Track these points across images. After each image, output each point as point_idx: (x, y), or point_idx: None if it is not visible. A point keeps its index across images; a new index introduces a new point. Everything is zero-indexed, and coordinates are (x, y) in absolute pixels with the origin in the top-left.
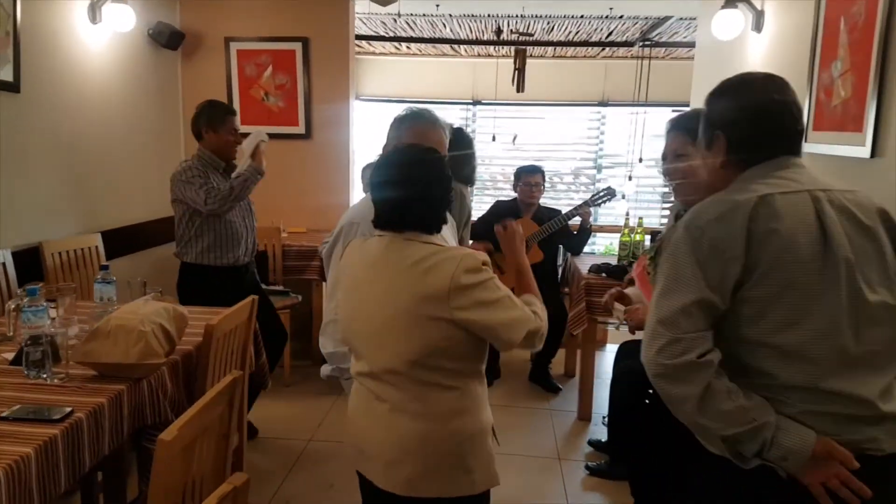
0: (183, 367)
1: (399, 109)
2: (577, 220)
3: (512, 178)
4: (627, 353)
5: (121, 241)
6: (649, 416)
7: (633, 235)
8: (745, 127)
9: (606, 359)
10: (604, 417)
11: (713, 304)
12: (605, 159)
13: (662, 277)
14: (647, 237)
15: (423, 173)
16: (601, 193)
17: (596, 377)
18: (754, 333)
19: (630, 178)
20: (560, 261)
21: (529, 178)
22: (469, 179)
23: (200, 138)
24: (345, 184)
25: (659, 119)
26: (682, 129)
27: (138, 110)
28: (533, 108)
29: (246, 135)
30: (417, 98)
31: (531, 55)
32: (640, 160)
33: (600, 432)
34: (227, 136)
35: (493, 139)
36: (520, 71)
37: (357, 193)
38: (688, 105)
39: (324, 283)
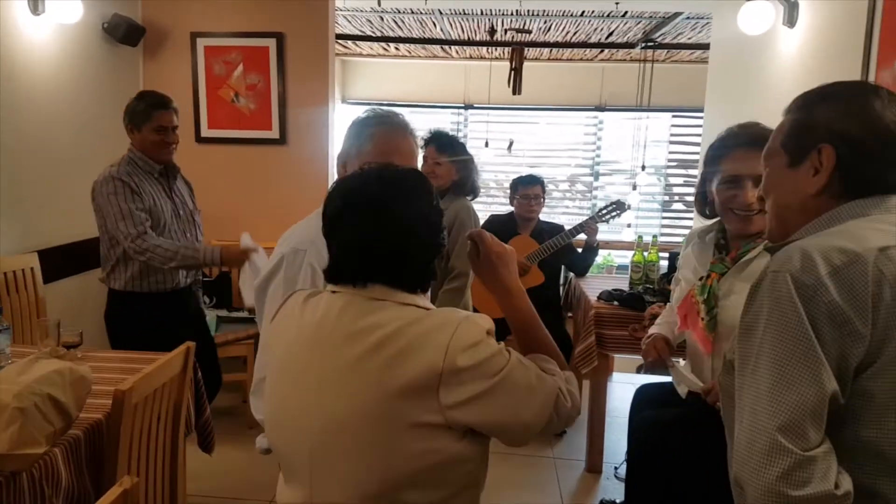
0: (88, 447)
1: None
2: (581, 236)
3: (506, 187)
4: (648, 399)
5: (62, 262)
6: (676, 472)
7: (646, 255)
8: (868, 145)
9: (614, 392)
10: (616, 468)
11: (836, 399)
12: (602, 166)
13: (766, 357)
14: (663, 255)
15: (405, 206)
16: (610, 208)
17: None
18: (870, 441)
19: (634, 188)
20: (562, 280)
21: (528, 189)
22: (475, 190)
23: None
24: (323, 195)
25: (659, 125)
26: (757, 145)
27: (89, 113)
28: (527, 113)
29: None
30: (406, 102)
31: (526, 57)
32: (644, 168)
33: (614, 489)
34: (150, 136)
35: (486, 145)
36: (517, 71)
37: None
38: (693, 110)
39: None
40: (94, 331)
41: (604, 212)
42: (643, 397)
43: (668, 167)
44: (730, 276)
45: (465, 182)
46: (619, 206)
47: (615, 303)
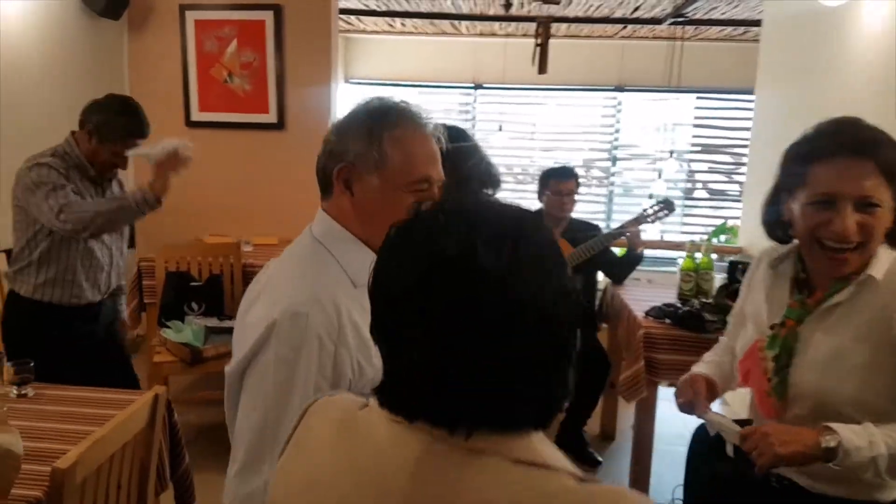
0: None
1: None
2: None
3: (521, 176)
4: (711, 447)
5: None
6: None
7: (697, 260)
8: None
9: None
10: None
11: None
12: (620, 150)
13: None
14: (717, 263)
15: (559, 299)
16: (656, 208)
17: (627, 437)
18: None
19: (660, 175)
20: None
21: (561, 184)
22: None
23: (82, 129)
24: None
25: (681, 106)
26: (865, 154)
27: (65, 95)
28: (542, 94)
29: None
30: (413, 81)
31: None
32: (672, 154)
33: None
34: (106, 155)
35: (500, 129)
36: (542, 47)
37: None
38: (721, 91)
39: None
40: None
41: (650, 211)
42: (701, 445)
43: (692, 152)
44: (810, 324)
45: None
46: (667, 206)
47: (667, 321)
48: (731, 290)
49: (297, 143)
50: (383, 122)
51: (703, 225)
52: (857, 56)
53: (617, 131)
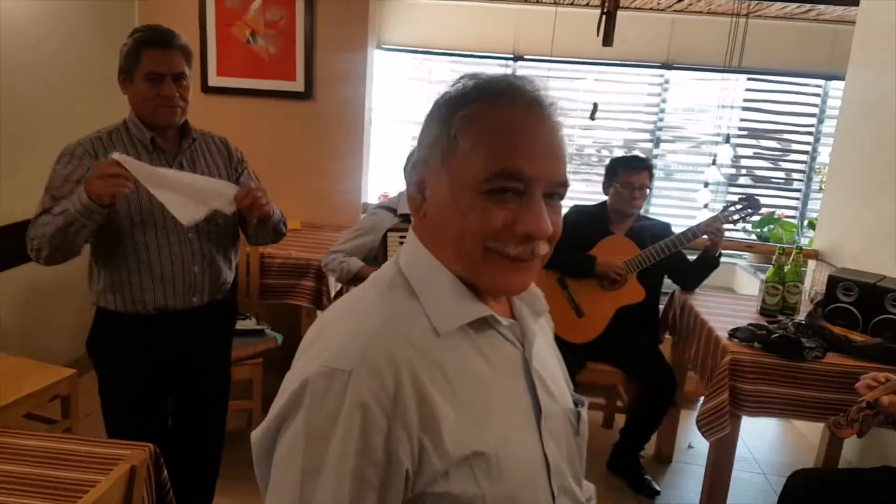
0: None
1: (433, 65)
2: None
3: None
4: (812, 495)
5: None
6: None
7: (785, 269)
8: None
9: None
10: None
11: None
12: (664, 132)
13: None
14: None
15: None
16: (739, 207)
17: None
18: None
19: (714, 162)
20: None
21: (632, 175)
22: None
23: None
24: (357, 162)
25: (730, 87)
26: None
27: (67, 61)
28: (583, 68)
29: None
30: (449, 49)
31: (586, 3)
32: (728, 140)
33: None
34: (141, 87)
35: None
36: (609, 16)
37: (378, 185)
38: (780, 73)
39: (318, 312)
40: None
41: (732, 210)
42: (795, 497)
43: (739, 136)
44: None
45: None
46: (751, 204)
47: (757, 345)
48: (829, 305)
49: (327, 115)
50: (461, 98)
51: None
52: None
53: (662, 111)
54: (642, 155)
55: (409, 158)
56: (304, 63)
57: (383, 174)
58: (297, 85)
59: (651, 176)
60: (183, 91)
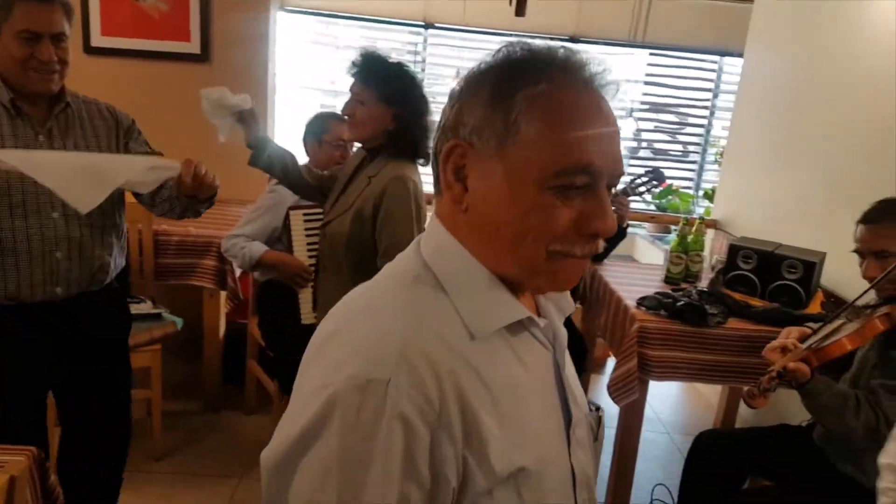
0: None
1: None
2: None
3: None
4: (718, 454)
5: None
6: None
7: (689, 239)
8: None
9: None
10: None
11: None
12: None
13: None
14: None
15: None
16: (645, 179)
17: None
18: None
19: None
20: None
21: None
22: (422, 152)
23: None
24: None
25: (636, 63)
26: None
27: None
28: (495, 38)
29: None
30: (357, 13)
31: None
32: (632, 114)
33: None
34: (10, 46)
35: (458, 74)
36: None
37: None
38: (682, 49)
39: (223, 293)
40: None
41: (638, 182)
42: (710, 449)
43: (641, 110)
44: None
45: (404, 136)
46: (657, 176)
47: (662, 312)
48: (729, 277)
49: (226, 79)
50: (520, 74)
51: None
52: (861, 19)
53: None
54: None
55: (426, 132)
56: (199, 23)
57: (289, 144)
58: (193, 46)
59: None
60: (62, 53)
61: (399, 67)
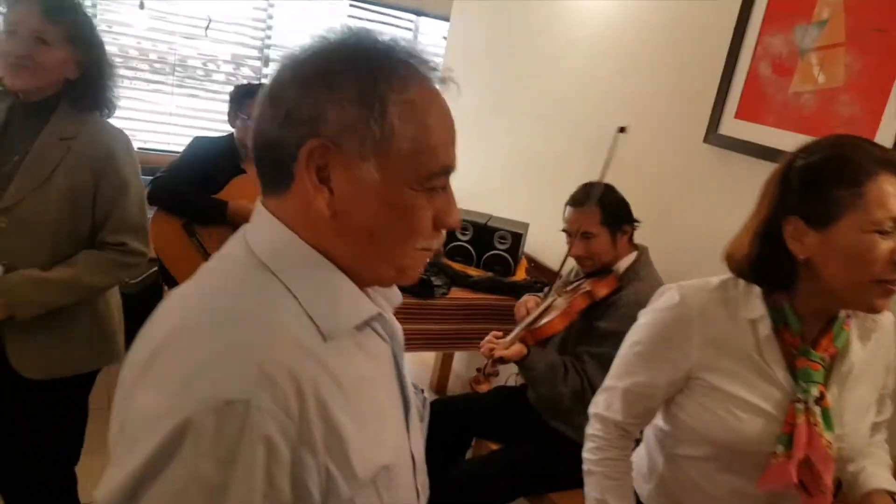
0: None
1: None
2: None
3: (164, 65)
4: (440, 422)
5: None
6: None
7: None
8: None
9: None
10: None
11: None
12: (273, 50)
13: None
14: None
15: None
16: None
17: None
18: None
19: None
20: None
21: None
22: (110, 103)
23: None
24: None
25: (336, 12)
26: None
27: None
28: None
29: None
30: None
31: None
32: None
33: None
34: None
35: (142, 6)
36: None
37: None
38: (382, 4)
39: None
40: None
41: None
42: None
43: None
44: (837, 384)
45: (93, 84)
46: None
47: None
48: (448, 248)
49: None
50: (387, 75)
51: None
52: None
53: (269, 27)
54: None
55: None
56: None
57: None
58: None
59: None
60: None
61: None
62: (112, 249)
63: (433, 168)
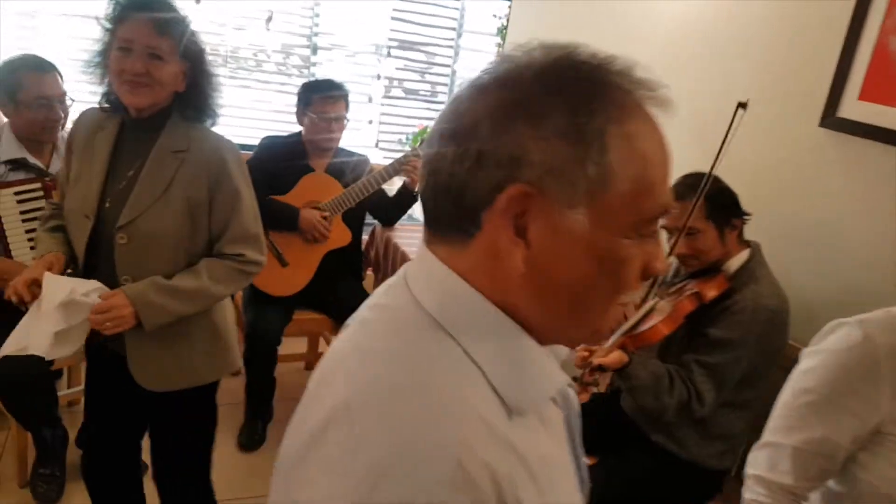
0: None
1: None
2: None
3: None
4: None
5: None
6: None
7: None
8: None
9: None
10: None
11: None
12: (321, 38)
13: None
14: None
15: None
16: None
17: None
18: None
19: (379, 77)
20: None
21: (328, 105)
22: (213, 111)
23: None
24: None
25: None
26: None
27: None
28: None
29: None
30: None
31: None
32: (389, 53)
33: None
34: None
35: (198, 2)
36: None
37: None
38: None
39: None
40: None
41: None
42: None
43: (390, 47)
44: None
45: (201, 94)
46: None
47: None
48: None
49: None
50: (604, 103)
51: (402, 125)
52: None
53: (317, 15)
54: (336, 80)
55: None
56: None
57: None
58: None
59: (347, 105)
60: None
61: (176, 6)
62: (231, 259)
63: (654, 211)
